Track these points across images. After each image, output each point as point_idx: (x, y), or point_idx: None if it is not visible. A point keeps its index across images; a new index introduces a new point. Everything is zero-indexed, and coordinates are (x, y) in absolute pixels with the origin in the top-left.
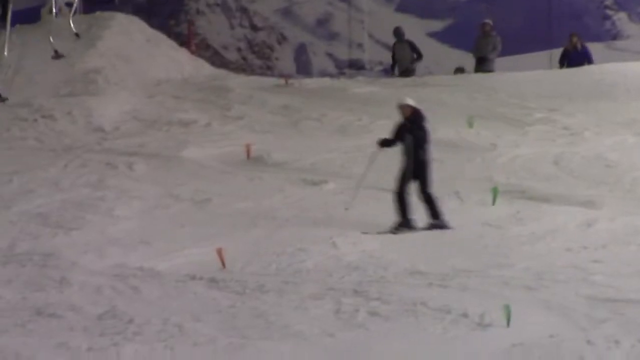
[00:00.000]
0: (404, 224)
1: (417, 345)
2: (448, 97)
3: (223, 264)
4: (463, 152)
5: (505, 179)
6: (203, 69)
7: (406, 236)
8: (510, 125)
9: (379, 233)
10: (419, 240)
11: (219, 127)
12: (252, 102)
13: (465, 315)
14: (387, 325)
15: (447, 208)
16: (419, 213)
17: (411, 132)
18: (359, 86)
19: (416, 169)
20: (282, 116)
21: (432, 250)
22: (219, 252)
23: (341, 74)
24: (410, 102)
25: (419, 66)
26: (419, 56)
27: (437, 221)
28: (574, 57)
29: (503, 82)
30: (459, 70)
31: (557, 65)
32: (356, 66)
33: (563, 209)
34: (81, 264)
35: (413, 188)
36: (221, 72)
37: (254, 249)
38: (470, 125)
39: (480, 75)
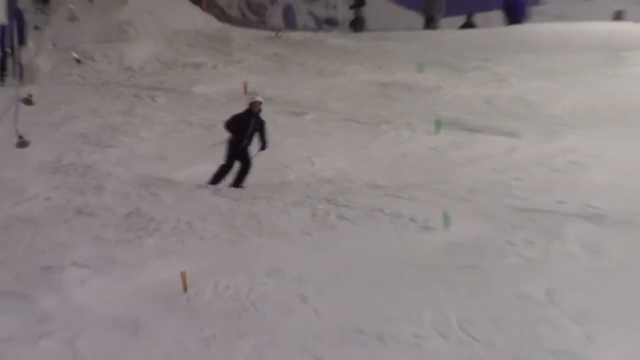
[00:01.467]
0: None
1: (376, 242)
2: (403, 48)
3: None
4: (414, 92)
5: (447, 114)
6: (211, 22)
7: (369, 156)
8: (452, 71)
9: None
10: (378, 161)
11: (223, 69)
12: (249, 50)
13: (413, 220)
14: (352, 227)
15: (401, 137)
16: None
17: (256, 127)
18: (334, 39)
19: (244, 153)
20: (273, 61)
21: (388, 168)
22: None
23: (319, 28)
24: (260, 99)
25: (381, 25)
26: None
27: (237, 185)
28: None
29: (447, 38)
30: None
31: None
32: (331, 23)
33: (492, 138)
34: (114, 174)
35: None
36: (225, 26)
37: None
38: (420, 70)
39: (428, 31)
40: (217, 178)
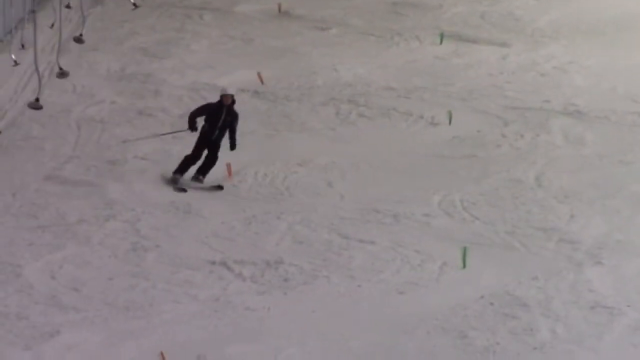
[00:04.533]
0: (175, 180)
1: (390, 136)
2: None
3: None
4: (420, 9)
5: (448, 28)
6: None
7: (383, 63)
8: None
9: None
10: (391, 68)
11: None
12: None
13: (421, 117)
14: (370, 123)
15: (410, 47)
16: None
17: (226, 120)
18: None
19: (214, 146)
20: None
21: (400, 73)
22: (259, 75)
23: None
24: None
25: None
26: None
27: (198, 180)
28: None
29: None
30: None
31: None
32: None
33: (486, 47)
34: (168, 81)
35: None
36: None
37: (282, 73)
38: None
39: None
40: (182, 167)
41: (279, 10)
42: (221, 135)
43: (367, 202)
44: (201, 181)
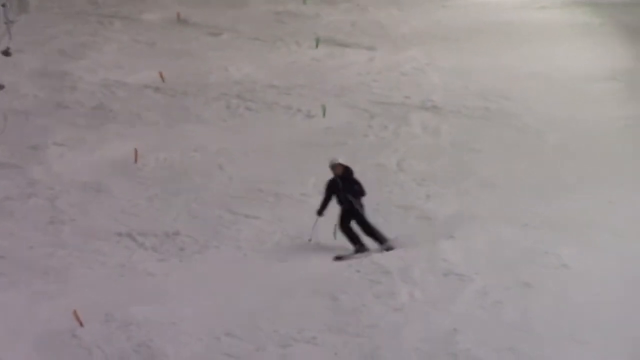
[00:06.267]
0: (359, 249)
1: (273, 127)
2: None
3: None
4: (300, 18)
5: (324, 34)
6: None
7: (268, 64)
8: (327, 4)
9: (338, 258)
10: (275, 68)
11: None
12: None
13: (299, 110)
14: (256, 115)
15: (291, 50)
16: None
17: (347, 189)
18: None
19: (354, 213)
20: None
21: (282, 73)
22: (160, 74)
23: None
24: (342, 161)
25: None
26: None
27: (385, 244)
28: None
29: None
30: None
31: None
32: None
33: (356, 51)
34: (84, 78)
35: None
36: None
37: (181, 72)
38: (305, 2)
39: None
40: (353, 240)
41: (178, 18)
42: (351, 203)
43: (253, 183)
44: (387, 247)
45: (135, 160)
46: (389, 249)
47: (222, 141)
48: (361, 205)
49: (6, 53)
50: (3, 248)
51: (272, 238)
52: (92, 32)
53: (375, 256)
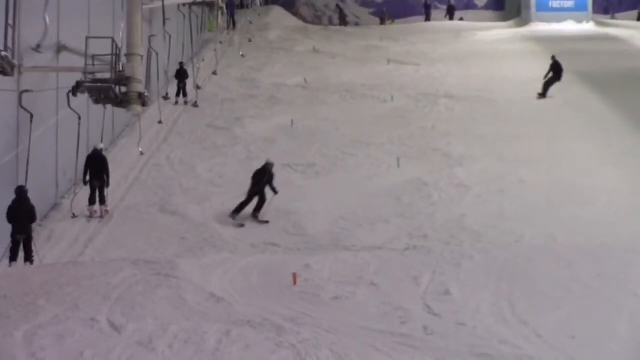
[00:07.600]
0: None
1: (365, 107)
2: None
3: None
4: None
5: (392, 57)
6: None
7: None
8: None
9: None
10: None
11: None
12: None
13: (378, 98)
14: (355, 101)
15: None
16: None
17: (267, 178)
18: None
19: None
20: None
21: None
22: None
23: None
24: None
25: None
26: None
27: (256, 214)
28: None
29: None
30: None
31: None
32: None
33: (409, 66)
34: None
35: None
36: None
37: None
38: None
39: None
40: (239, 208)
41: (314, 49)
42: (263, 187)
43: (354, 137)
44: (257, 217)
45: (292, 125)
46: (261, 222)
47: (337, 115)
48: (275, 190)
49: (214, 73)
50: (219, 175)
51: (364, 167)
52: (267, 57)
53: (411, 175)
